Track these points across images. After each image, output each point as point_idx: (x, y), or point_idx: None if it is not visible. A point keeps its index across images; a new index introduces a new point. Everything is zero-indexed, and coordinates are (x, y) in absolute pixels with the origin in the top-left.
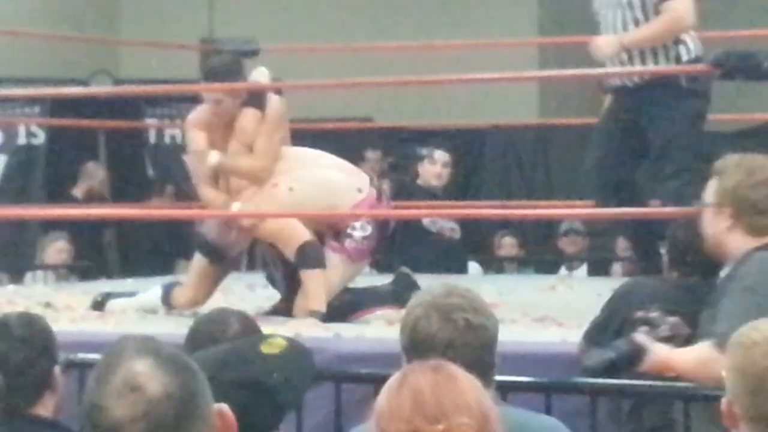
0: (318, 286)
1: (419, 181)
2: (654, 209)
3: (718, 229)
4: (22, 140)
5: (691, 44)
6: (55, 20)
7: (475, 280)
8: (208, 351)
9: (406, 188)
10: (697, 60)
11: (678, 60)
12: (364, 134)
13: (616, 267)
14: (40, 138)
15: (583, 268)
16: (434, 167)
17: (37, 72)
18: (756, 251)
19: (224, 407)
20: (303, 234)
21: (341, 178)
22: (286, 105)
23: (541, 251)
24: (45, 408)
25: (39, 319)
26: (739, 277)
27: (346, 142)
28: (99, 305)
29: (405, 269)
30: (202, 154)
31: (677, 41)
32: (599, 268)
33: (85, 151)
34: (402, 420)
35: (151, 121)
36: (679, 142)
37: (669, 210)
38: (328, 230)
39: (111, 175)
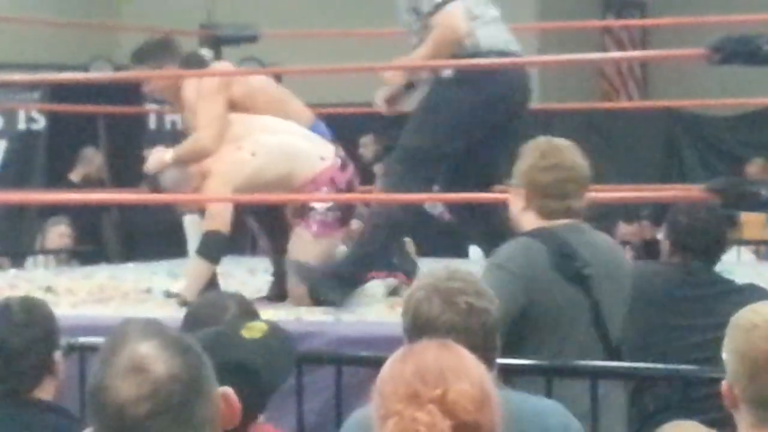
0: (197, 276)
1: None
2: (667, 192)
3: (516, 209)
4: (22, 126)
5: (481, 38)
6: (55, 6)
7: (476, 264)
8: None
9: None
10: (487, 54)
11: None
12: (359, 118)
13: None
14: (41, 123)
15: None
16: None
17: (38, 58)
18: (523, 235)
19: (228, 390)
20: (221, 220)
21: (305, 145)
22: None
23: None
24: (45, 392)
25: (41, 303)
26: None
27: (342, 126)
28: None
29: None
30: (157, 159)
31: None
32: None
33: (85, 136)
34: (402, 383)
35: (151, 107)
36: (415, 126)
37: (683, 194)
38: (290, 206)
39: (110, 160)
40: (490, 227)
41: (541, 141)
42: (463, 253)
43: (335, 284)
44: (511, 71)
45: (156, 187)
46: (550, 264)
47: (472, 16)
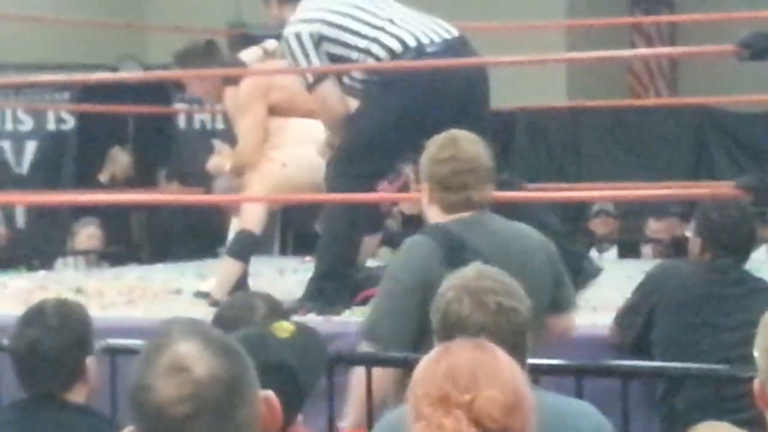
0: (227, 276)
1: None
2: (698, 189)
3: (424, 203)
4: (51, 126)
5: (388, 39)
6: (83, 6)
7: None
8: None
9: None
10: (402, 55)
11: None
12: None
13: (646, 249)
14: (70, 124)
15: (614, 250)
16: None
17: (66, 58)
18: (417, 233)
19: (270, 394)
20: (254, 221)
21: None
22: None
23: (571, 233)
24: (77, 395)
25: (76, 307)
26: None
27: None
28: None
29: None
30: (217, 168)
31: (374, 40)
32: (629, 249)
33: (114, 136)
34: (434, 385)
35: (180, 106)
36: (349, 130)
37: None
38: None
39: (139, 160)
40: None
41: (441, 135)
42: None
43: (317, 299)
44: (445, 68)
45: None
46: (441, 260)
47: (370, 35)
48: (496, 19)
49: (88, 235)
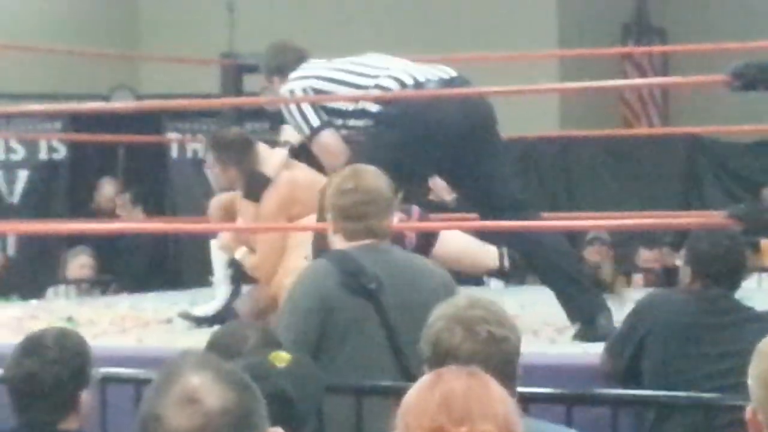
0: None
1: (431, 197)
2: (688, 219)
3: (330, 233)
4: (43, 156)
5: (385, 82)
6: (75, 36)
7: (496, 293)
8: None
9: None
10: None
11: (364, 113)
12: None
13: (637, 278)
14: (62, 153)
15: None
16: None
17: (59, 87)
18: (319, 258)
19: (279, 431)
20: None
21: None
22: (293, 185)
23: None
24: (70, 424)
25: (76, 339)
26: None
27: None
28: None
29: None
30: (228, 251)
31: (370, 87)
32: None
33: (106, 166)
34: (428, 416)
35: (172, 135)
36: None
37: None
38: None
39: (131, 189)
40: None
41: (345, 169)
42: (478, 282)
43: None
44: (443, 102)
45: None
46: (338, 283)
47: (365, 84)
48: (488, 49)
49: (79, 264)
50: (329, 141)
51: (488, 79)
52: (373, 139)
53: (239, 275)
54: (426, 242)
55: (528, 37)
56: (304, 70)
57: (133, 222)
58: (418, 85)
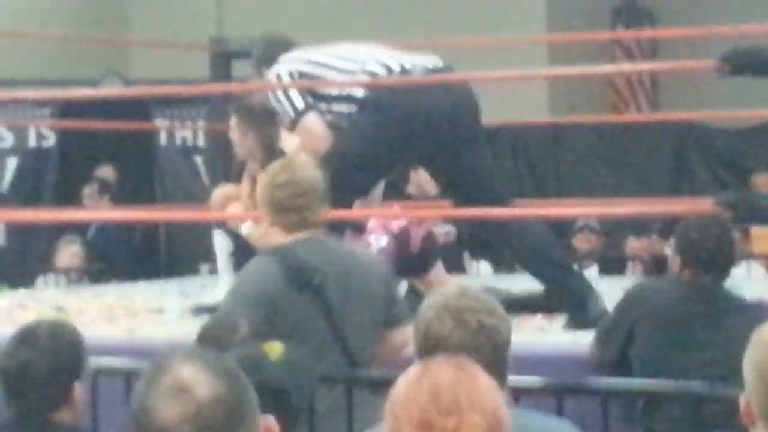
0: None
1: (411, 189)
2: (678, 206)
3: (266, 226)
4: (32, 143)
5: (372, 66)
6: (64, 21)
7: (486, 281)
8: None
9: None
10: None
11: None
12: None
13: (629, 266)
14: (51, 140)
15: (595, 267)
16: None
17: (47, 73)
18: (261, 254)
19: (270, 419)
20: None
21: None
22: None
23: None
24: (63, 416)
25: (70, 330)
26: None
27: None
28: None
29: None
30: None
31: (356, 72)
32: (611, 267)
33: (95, 153)
34: (416, 408)
35: (161, 122)
36: (334, 149)
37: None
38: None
39: (121, 177)
40: (497, 242)
41: (276, 162)
42: (461, 271)
43: None
44: (430, 90)
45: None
46: (282, 278)
47: (351, 68)
48: (476, 35)
49: (69, 253)
50: (313, 124)
51: (476, 64)
52: (356, 124)
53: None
54: (428, 247)
55: (516, 23)
56: (291, 54)
57: (113, 211)
58: (404, 71)
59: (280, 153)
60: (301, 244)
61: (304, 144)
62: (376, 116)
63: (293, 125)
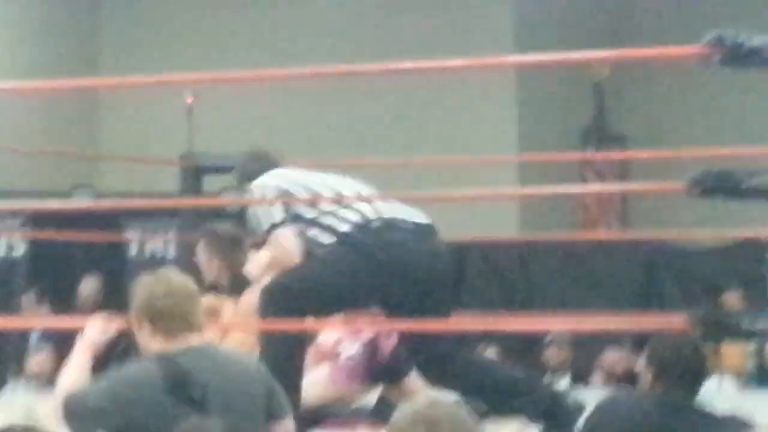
0: None
1: None
2: (644, 321)
3: (144, 339)
4: (1, 252)
5: (351, 215)
6: (36, 133)
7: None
8: None
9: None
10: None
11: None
12: None
13: (596, 378)
14: (20, 250)
15: (566, 380)
16: None
17: (17, 184)
18: (145, 359)
19: None
20: None
21: None
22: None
23: (523, 363)
24: None
25: None
26: None
27: None
28: None
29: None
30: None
31: (334, 214)
32: (579, 378)
33: (65, 263)
34: None
35: (132, 234)
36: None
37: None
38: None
39: (36, 287)
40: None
41: (147, 277)
42: None
43: None
44: (404, 240)
45: None
46: (162, 388)
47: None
48: (449, 153)
49: (40, 359)
50: (287, 238)
51: (448, 182)
52: (332, 254)
53: None
54: (398, 357)
55: (488, 142)
56: (281, 170)
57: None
58: (392, 220)
59: (244, 280)
60: (183, 354)
61: (273, 256)
62: (354, 256)
63: (267, 235)
